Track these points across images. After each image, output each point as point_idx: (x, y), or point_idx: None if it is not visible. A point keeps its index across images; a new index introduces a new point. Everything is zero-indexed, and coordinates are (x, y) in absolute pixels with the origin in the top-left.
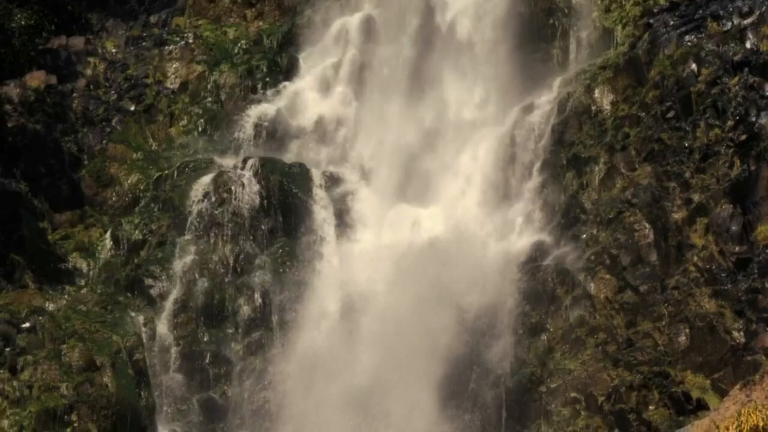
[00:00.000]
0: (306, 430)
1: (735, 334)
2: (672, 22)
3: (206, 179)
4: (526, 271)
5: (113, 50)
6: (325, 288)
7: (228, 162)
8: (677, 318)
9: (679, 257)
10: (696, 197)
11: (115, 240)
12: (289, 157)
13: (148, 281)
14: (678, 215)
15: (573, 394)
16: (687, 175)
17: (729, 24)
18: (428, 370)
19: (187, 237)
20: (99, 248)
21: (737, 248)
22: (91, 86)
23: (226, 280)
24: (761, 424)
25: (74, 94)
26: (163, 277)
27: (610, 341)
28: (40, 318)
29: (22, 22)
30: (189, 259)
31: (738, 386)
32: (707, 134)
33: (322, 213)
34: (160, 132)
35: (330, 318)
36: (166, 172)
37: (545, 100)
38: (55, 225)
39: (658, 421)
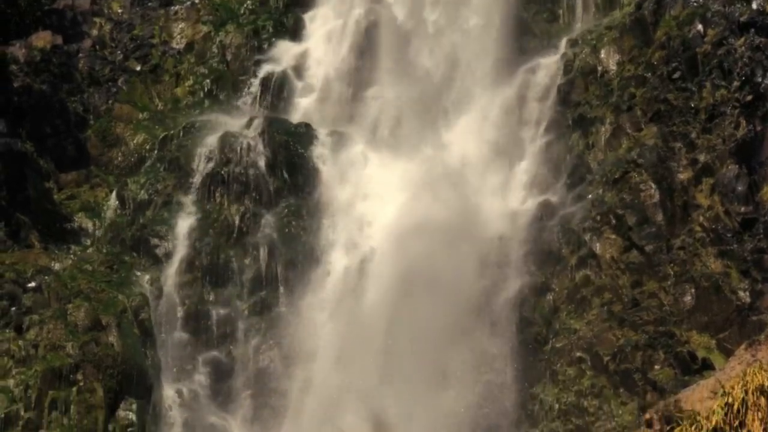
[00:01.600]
0: (312, 388)
1: (740, 294)
2: None
3: (212, 139)
4: (531, 231)
5: (119, 10)
6: (331, 247)
7: (234, 122)
8: (683, 278)
9: (685, 217)
10: (702, 157)
11: (121, 200)
12: (295, 117)
13: (154, 241)
14: (684, 175)
15: (578, 354)
16: (693, 135)
17: None
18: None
19: (193, 197)
20: (105, 208)
21: (743, 208)
22: (97, 46)
23: (232, 239)
24: (766, 383)
25: (80, 55)
26: (169, 237)
27: (616, 301)
28: (46, 277)
29: None
30: (194, 218)
31: (743, 346)
32: (713, 95)
33: (327, 172)
34: (166, 92)
35: (336, 276)
36: (172, 132)
37: (551, 61)
38: (61, 185)
39: (663, 380)
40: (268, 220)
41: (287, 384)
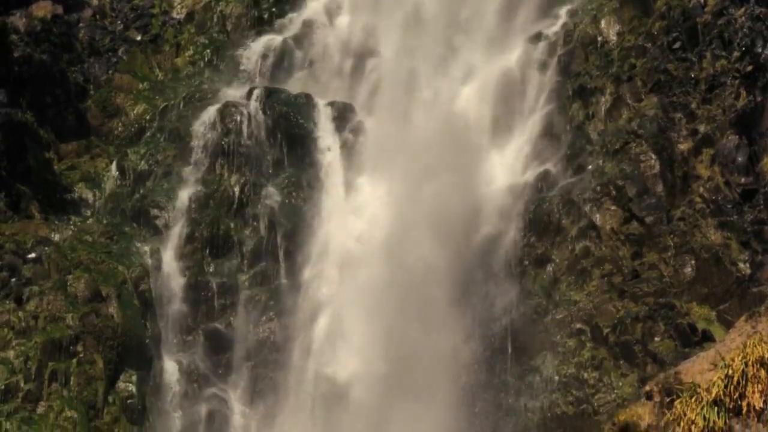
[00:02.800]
0: (312, 359)
1: (741, 265)
2: None
3: (212, 110)
4: (531, 202)
5: None
6: (331, 217)
7: (234, 92)
8: (683, 249)
9: (685, 188)
10: (702, 128)
11: (121, 170)
12: (295, 87)
13: (154, 212)
14: (684, 146)
15: (578, 326)
16: (693, 105)
17: None
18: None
19: (193, 167)
20: (105, 179)
21: (743, 179)
22: (98, 16)
23: (232, 210)
24: (767, 355)
25: (80, 24)
26: (169, 208)
27: (616, 272)
28: (46, 248)
29: None
30: (195, 189)
31: (743, 318)
32: (713, 65)
33: (327, 143)
34: (166, 62)
35: (337, 247)
36: (172, 102)
37: (551, 31)
38: (61, 155)
39: (663, 352)
40: (269, 191)
41: (287, 355)
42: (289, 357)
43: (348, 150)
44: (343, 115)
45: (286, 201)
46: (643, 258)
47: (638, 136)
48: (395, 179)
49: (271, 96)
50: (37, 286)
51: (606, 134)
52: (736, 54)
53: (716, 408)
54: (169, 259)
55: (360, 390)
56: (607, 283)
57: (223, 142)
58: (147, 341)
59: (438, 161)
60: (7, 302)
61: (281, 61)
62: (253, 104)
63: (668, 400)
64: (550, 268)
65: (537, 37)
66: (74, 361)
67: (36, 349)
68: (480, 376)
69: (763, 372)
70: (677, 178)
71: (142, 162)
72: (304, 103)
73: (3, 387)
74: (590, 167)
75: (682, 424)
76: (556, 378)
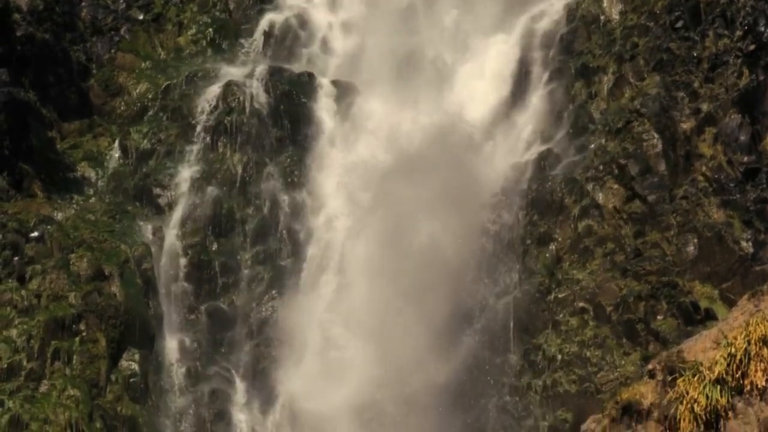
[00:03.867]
0: (314, 338)
1: (743, 244)
2: None
3: (215, 88)
4: (534, 181)
5: None
6: (334, 196)
7: (236, 71)
8: (685, 228)
9: (688, 167)
10: (704, 107)
11: (124, 149)
12: (298, 66)
13: (157, 190)
14: (686, 125)
15: (581, 304)
16: (695, 84)
17: None
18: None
19: (196, 146)
20: (107, 157)
21: (746, 158)
22: None
23: (235, 189)
24: None
25: (83, 3)
26: (172, 187)
27: (619, 251)
28: (49, 227)
29: None
30: (197, 168)
31: (746, 296)
32: (716, 44)
33: (330, 121)
34: (169, 41)
35: (339, 224)
36: (175, 81)
37: (554, 9)
38: (64, 134)
39: (666, 330)
40: (271, 169)
41: (289, 334)
42: (291, 335)
43: (350, 127)
44: (345, 94)
45: (289, 180)
46: (645, 237)
47: (641, 115)
48: (397, 156)
49: (273, 75)
50: (40, 265)
51: (608, 113)
52: (738, 33)
53: (719, 386)
54: (171, 238)
55: (361, 361)
56: (609, 261)
57: (225, 121)
58: (150, 320)
59: (440, 141)
60: (10, 281)
61: (284, 40)
62: (256, 83)
63: (671, 378)
64: (552, 246)
65: (540, 15)
66: (77, 339)
67: (39, 327)
68: (482, 354)
69: (765, 350)
70: (680, 157)
71: (145, 141)
72: (307, 82)
73: (6, 366)
74: (593, 146)
75: (684, 402)
76: (559, 356)
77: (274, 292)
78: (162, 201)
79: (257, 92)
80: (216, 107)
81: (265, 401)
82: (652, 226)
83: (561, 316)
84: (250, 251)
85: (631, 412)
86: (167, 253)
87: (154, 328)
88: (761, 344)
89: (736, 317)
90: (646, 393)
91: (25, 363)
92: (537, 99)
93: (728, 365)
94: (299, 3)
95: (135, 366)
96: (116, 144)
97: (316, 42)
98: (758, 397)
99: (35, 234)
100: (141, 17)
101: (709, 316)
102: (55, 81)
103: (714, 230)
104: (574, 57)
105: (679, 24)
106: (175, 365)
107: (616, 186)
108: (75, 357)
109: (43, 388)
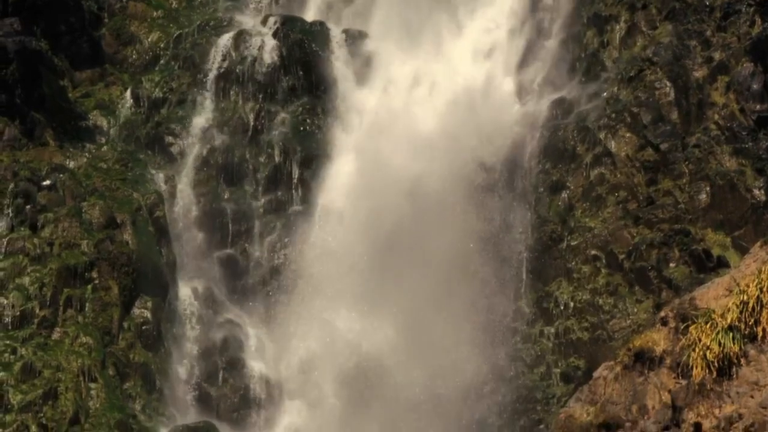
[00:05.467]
0: (326, 289)
1: (756, 192)
2: None
3: (227, 37)
4: (546, 129)
5: None
6: (346, 145)
7: (248, 20)
8: (698, 176)
9: (700, 115)
10: (717, 55)
11: (136, 98)
12: (310, 15)
13: (169, 139)
14: (699, 73)
15: (593, 252)
16: (708, 33)
17: None
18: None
19: (207, 95)
20: (119, 106)
21: (758, 106)
22: None
23: (246, 137)
24: None
25: None
26: (184, 135)
27: (631, 199)
28: (61, 175)
29: None
30: (209, 116)
31: (758, 244)
32: None
33: (342, 70)
34: None
35: (351, 174)
36: (187, 30)
37: None
38: (76, 83)
39: (678, 278)
40: (283, 118)
41: (301, 282)
42: (302, 284)
43: (362, 77)
44: (358, 42)
45: (300, 128)
46: (658, 185)
47: (653, 63)
48: (409, 104)
49: (285, 24)
50: (52, 213)
51: (621, 62)
52: None
53: (731, 333)
54: (183, 185)
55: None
56: (622, 209)
57: (237, 70)
58: (162, 268)
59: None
60: (23, 229)
61: None
62: (268, 32)
63: (683, 325)
64: (565, 194)
65: None
66: (89, 287)
67: (51, 275)
68: (495, 300)
69: None
70: (692, 105)
71: (157, 89)
72: (319, 31)
73: (18, 313)
74: (605, 94)
75: (696, 349)
76: (571, 304)
77: (286, 240)
78: (174, 149)
79: (269, 41)
80: (228, 56)
81: (277, 348)
82: (664, 174)
83: (573, 263)
84: (261, 199)
85: (643, 359)
86: (179, 200)
87: (167, 275)
88: None
89: (748, 265)
90: (658, 340)
91: (37, 311)
92: (549, 47)
93: (741, 312)
94: None
95: (147, 314)
96: (128, 93)
97: None
98: None
99: (48, 182)
100: None
101: (722, 264)
102: (67, 30)
103: (726, 178)
104: (586, 5)
105: None
106: (188, 313)
107: (628, 134)
108: (87, 305)
109: (55, 336)
